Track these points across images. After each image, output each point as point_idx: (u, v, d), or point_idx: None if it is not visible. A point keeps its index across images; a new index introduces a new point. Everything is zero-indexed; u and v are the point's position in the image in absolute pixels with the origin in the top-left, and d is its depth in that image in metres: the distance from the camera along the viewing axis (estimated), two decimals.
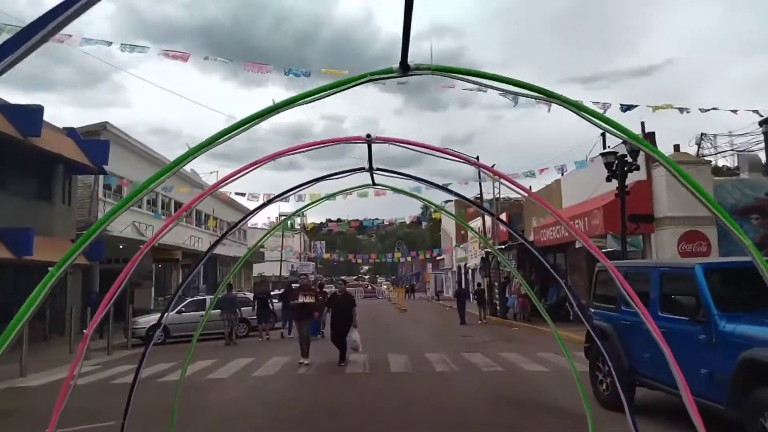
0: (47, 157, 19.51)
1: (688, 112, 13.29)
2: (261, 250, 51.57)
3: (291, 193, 6.21)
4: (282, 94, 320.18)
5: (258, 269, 57.58)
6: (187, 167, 39.70)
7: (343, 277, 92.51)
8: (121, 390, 10.26)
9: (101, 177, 23.88)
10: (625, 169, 14.24)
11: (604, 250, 18.28)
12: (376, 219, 30.21)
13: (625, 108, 12.83)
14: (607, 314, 8.02)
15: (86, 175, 22.82)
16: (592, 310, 8.71)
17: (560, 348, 12.57)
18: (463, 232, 47.51)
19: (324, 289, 21.73)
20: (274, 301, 20.75)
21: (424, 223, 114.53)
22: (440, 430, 6.86)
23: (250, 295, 26.24)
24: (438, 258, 55.34)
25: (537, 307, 19.69)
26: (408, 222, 38.56)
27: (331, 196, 5.90)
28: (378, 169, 5.73)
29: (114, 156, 25.24)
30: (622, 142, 15.81)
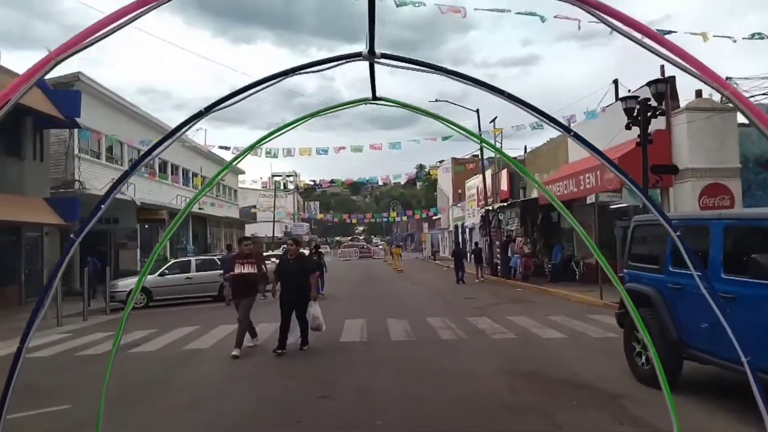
0: (12, 109, 17.86)
1: (734, 41, 11.77)
2: (253, 210, 50.30)
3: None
4: (271, 51, 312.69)
5: (250, 230, 56.31)
6: (171, 123, 37.97)
7: (338, 238, 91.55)
8: (87, 363, 9.14)
9: (76, 132, 22.21)
10: (648, 114, 12.83)
11: (619, 205, 17.07)
12: (372, 177, 28.76)
13: (664, 33, 11.27)
14: (649, 276, 6.78)
15: (59, 129, 21.19)
16: (626, 272, 7.48)
17: (573, 311, 11.48)
18: (459, 191, 46.25)
19: (320, 251, 20.68)
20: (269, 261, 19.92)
21: (419, 183, 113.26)
22: (452, 415, 5.69)
23: None
24: (434, 217, 54.24)
25: (541, 267, 18.50)
26: (403, 182, 37.20)
27: (324, 111, 4.52)
28: (383, 56, 4.15)
29: (88, 109, 23.51)
30: (646, 85, 14.39)
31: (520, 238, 22.13)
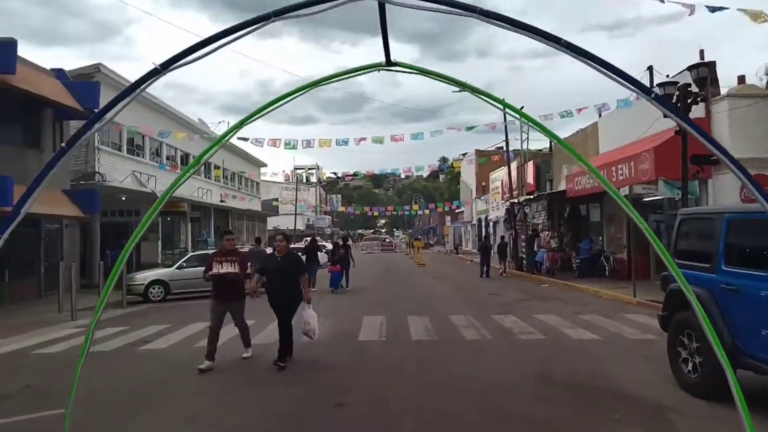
0: (32, 100, 17.74)
1: None
2: (275, 203, 50.17)
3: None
4: (296, 45, 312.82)
5: (272, 222, 56.27)
6: (194, 116, 37.88)
7: (360, 231, 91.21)
8: (92, 361, 8.75)
9: (106, 128, 22.05)
10: (689, 101, 11.99)
11: (653, 198, 16.21)
12: (395, 169, 28.15)
13: (714, 9, 10.47)
14: (699, 276, 6.10)
15: (78, 120, 21.02)
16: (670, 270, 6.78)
17: (605, 309, 10.79)
18: (483, 183, 45.37)
19: (348, 243, 20.23)
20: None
21: (442, 176, 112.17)
22: (476, 427, 5.12)
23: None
24: (457, 211, 53.42)
25: (569, 261, 17.72)
26: (426, 174, 36.62)
27: (333, 78, 4.06)
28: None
29: (109, 100, 23.36)
30: (686, 69, 13.51)
31: (546, 232, 21.35)
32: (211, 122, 36.81)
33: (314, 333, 8.00)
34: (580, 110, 17.54)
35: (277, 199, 51.26)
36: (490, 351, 8.28)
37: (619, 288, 15.90)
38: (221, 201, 37.44)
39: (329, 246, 36.53)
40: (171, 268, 17.28)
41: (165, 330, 11.05)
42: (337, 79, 4.39)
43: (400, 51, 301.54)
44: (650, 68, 18.21)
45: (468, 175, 51.62)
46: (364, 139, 18.52)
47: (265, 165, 52.90)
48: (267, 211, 52.25)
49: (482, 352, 8.23)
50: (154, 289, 16.75)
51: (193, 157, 34.64)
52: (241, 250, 8.51)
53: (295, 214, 55.46)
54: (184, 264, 17.42)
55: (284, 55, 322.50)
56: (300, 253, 21.04)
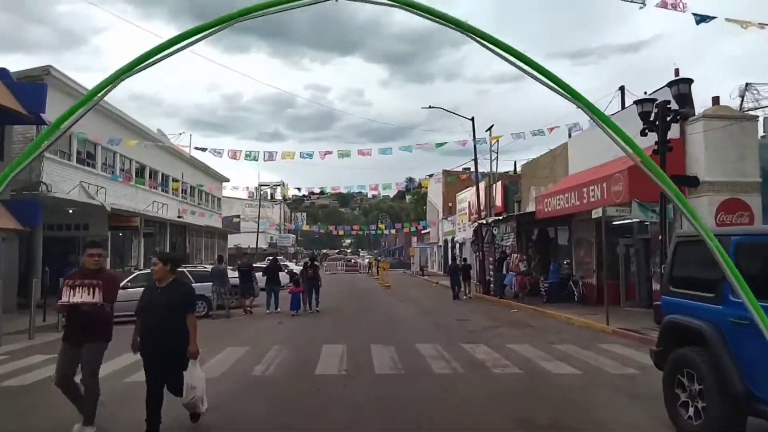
0: None
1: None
2: (236, 220, 48.64)
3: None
4: (265, 61, 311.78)
5: (233, 240, 54.57)
6: (153, 127, 36.36)
7: (324, 251, 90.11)
8: (4, 397, 7.56)
9: (44, 129, 20.56)
10: (668, 118, 11.55)
11: (626, 221, 15.78)
12: (361, 186, 27.32)
13: (699, 20, 10.05)
14: (700, 307, 5.39)
15: (23, 125, 19.57)
16: (666, 299, 6.09)
17: (579, 338, 10.09)
18: (450, 204, 44.98)
19: (315, 263, 19.57)
20: (256, 274, 19.23)
21: (408, 197, 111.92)
22: None
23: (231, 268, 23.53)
24: (423, 231, 52.88)
25: (536, 285, 17.15)
26: (394, 193, 35.98)
27: (271, 8, 3.20)
28: None
29: (59, 105, 21.98)
30: (666, 85, 13.14)
31: (515, 255, 20.79)
32: (171, 134, 35.16)
33: (201, 403, 5.69)
34: (551, 129, 17.14)
35: (238, 216, 49.65)
36: (463, 387, 7.40)
37: (590, 315, 15.33)
38: (178, 216, 35.85)
39: (292, 266, 35.33)
40: None
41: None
42: (282, 8, 3.54)
43: (370, 70, 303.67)
44: (622, 88, 18.00)
45: (435, 196, 51.23)
46: (329, 152, 17.67)
47: (227, 180, 51.41)
48: (228, 228, 50.60)
49: (453, 388, 7.35)
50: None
51: (150, 169, 33.16)
52: (108, 271, 6.51)
53: (257, 232, 53.93)
54: (129, 284, 16.05)
55: (253, 70, 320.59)
56: (261, 274, 20.34)
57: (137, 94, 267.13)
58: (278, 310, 17.81)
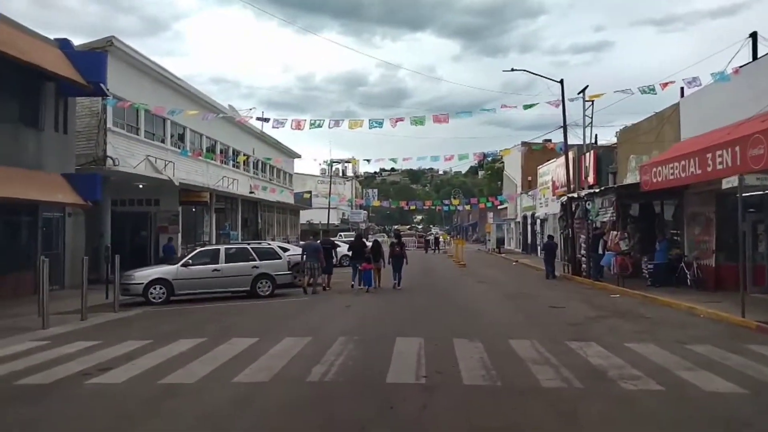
0: (28, 71, 15.66)
1: None
2: (306, 195, 47.96)
3: None
4: (337, 40, 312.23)
5: (305, 216, 54.13)
6: (225, 103, 35.78)
7: (395, 227, 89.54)
8: (13, 401, 5.93)
9: (108, 102, 19.92)
10: None
11: (755, 193, 12.98)
12: (435, 158, 25.24)
13: None
14: None
15: (83, 97, 18.96)
16: None
17: (715, 335, 7.74)
18: (530, 178, 41.95)
19: (402, 240, 19.49)
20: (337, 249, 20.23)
21: (481, 173, 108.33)
22: None
23: (290, 247, 22.48)
24: (500, 207, 50.06)
25: (637, 266, 14.62)
26: (472, 163, 33.58)
27: None
28: None
29: (123, 77, 21.30)
30: None
31: (614, 232, 18.13)
32: (242, 110, 34.30)
33: None
34: (664, 85, 14.29)
35: (309, 192, 48.95)
36: (588, 413, 5.42)
37: (713, 303, 12.77)
38: (250, 192, 35.28)
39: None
40: (175, 266, 14.92)
41: (141, 349, 8.57)
42: None
43: (443, 46, 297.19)
44: (753, 35, 14.83)
45: (513, 169, 48.20)
46: (401, 119, 15.78)
47: (299, 156, 50.74)
48: (300, 204, 50.05)
49: (575, 415, 5.38)
50: (154, 289, 14.42)
51: (220, 144, 32.58)
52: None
53: (329, 208, 53.18)
54: (191, 261, 15.05)
55: (324, 50, 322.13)
56: (347, 249, 19.98)
57: (217, 77, 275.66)
58: (362, 286, 17.27)
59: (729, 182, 11.76)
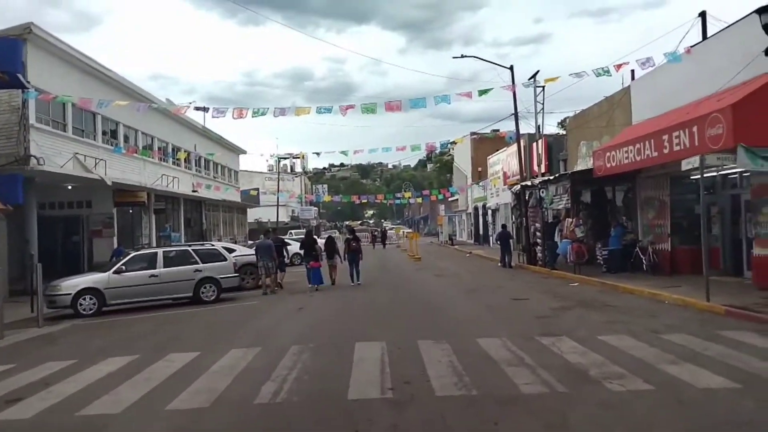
0: None
1: None
2: (252, 192, 46.34)
3: None
4: (280, 32, 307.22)
5: (253, 214, 52.39)
6: (162, 97, 33.82)
7: (347, 223, 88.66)
8: None
9: (29, 96, 18.10)
10: None
11: (733, 170, 12.88)
12: (387, 149, 24.48)
13: None
14: None
15: (7, 90, 17.13)
16: None
17: (687, 323, 7.28)
18: (480, 168, 41.92)
19: (356, 234, 19.18)
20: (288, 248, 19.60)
21: (430, 166, 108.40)
22: None
23: (237, 248, 21.30)
24: (451, 199, 49.98)
25: (591, 253, 14.34)
26: (418, 159, 33.03)
27: None
28: None
29: (45, 68, 19.48)
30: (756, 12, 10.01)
31: (570, 219, 17.94)
32: (182, 104, 32.30)
33: None
34: (618, 66, 13.99)
35: (256, 189, 47.32)
36: (577, 421, 4.78)
37: (673, 287, 12.60)
38: (193, 191, 33.54)
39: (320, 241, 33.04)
40: (107, 273, 13.58)
41: (62, 372, 7.43)
42: None
43: (388, 38, 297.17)
44: (702, 14, 14.79)
45: (462, 160, 48.16)
46: (351, 106, 14.83)
47: (244, 152, 48.93)
48: (247, 202, 48.33)
49: (564, 425, 4.73)
50: (84, 300, 13.04)
51: (158, 140, 30.72)
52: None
53: (278, 205, 51.69)
54: (124, 267, 13.71)
55: (268, 43, 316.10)
56: (299, 247, 19.40)
57: (156, 74, 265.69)
58: (311, 285, 16.63)
59: (689, 163, 11.50)
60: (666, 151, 13.42)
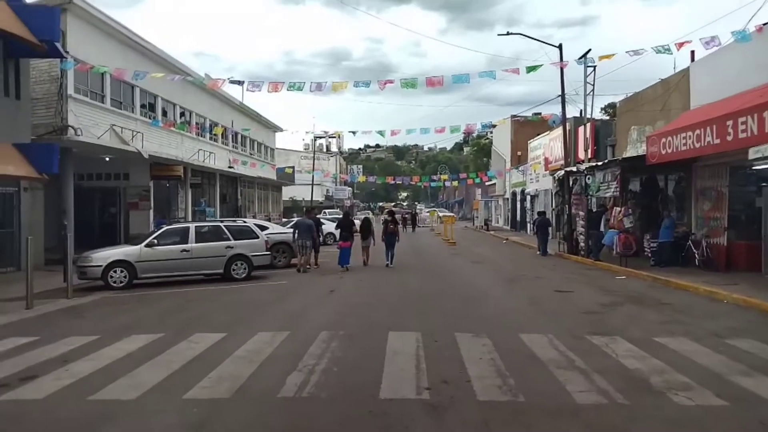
0: None
1: None
2: (288, 170, 46.21)
3: None
4: (320, 10, 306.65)
5: (288, 193, 52.41)
6: (202, 74, 33.65)
7: (381, 204, 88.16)
8: None
9: (70, 66, 18.03)
10: None
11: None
12: (425, 130, 23.73)
13: None
14: None
15: (38, 58, 17.07)
16: None
17: (751, 326, 6.40)
18: (519, 153, 40.66)
19: (395, 216, 19.51)
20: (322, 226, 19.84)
21: (467, 149, 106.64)
22: None
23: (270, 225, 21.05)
24: (488, 183, 48.85)
25: (641, 245, 13.29)
26: (454, 141, 32.17)
27: None
28: None
29: (85, 39, 19.39)
30: None
31: (618, 209, 16.94)
32: (219, 78, 32.03)
33: None
34: (680, 44, 12.90)
35: (292, 167, 47.19)
36: None
37: (729, 285, 11.65)
38: (229, 167, 33.49)
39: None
40: (138, 246, 13.39)
41: (83, 348, 7.14)
42: None
43: (428, 18, 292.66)
44: None
45: (501, 144, 46.84)
46: (390, 81, 14.21)
47: (281, 129, 48.74)
48: (282, 180, 48.28)
49: None
50: (115, 272, 12.89)
51: (196, 115, 30.65)
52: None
53: (312, 184, 51.55)
54: (155, 241, 13.50)
55: (308, 22, 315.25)
56: (335, 227, 19.28)
57: (199, 52, 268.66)
58: (340, 266, 16.38)
59: (759, 152, 10.51)
60: (730, 138, 12.34)
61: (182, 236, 13.90)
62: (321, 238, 19.88)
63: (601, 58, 14.54)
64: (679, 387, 5.33)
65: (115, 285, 12.86)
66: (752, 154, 10.74)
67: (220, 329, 8.04)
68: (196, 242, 13.73)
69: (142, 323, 8.83)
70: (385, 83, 14.15)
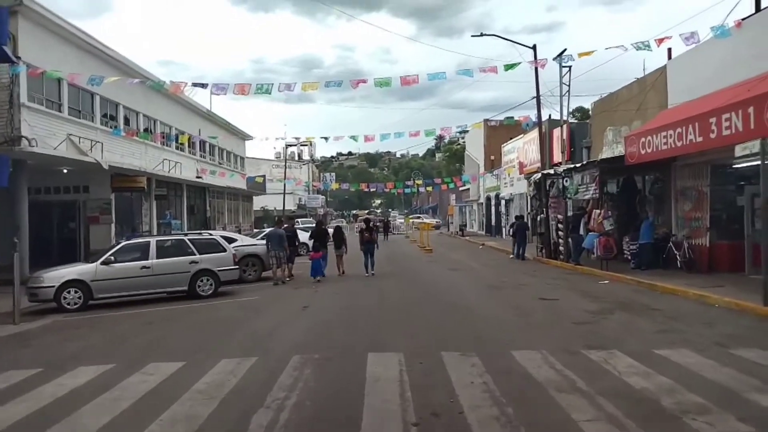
0: None
1: None
2: (258, 179, 45.06)
3: None
4: (290, 19, 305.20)
5: (259, 202, 51.23)
6: (166, 78, 32.46)
7: (354, 211, 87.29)
8: None
9: (22, 72, 16.91)
10: None
11: (750, 164, 11.48)
12: (399, 134, 23.14)
13: None
14: None
15: None
16: None
17: (752, 333, 6.09)
18: (492, 157, 40.46)
19: (371, 226, 18.45)
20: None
21: (439, 155, 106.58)
22: None
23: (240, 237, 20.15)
24: (462, 188, 48.57)
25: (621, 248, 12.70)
26: (426, 148, 31.64)
27: None
28: None
29: (38, 43, 18.28)
30: None
31: (597, 211, 16.58)
32: (181, 81, 30.90)
33: None
34: (660, 40, 12.58)
35: (262, 176, 46.04)
36: None
37: (715, 287, 11.30)
38: (197, 177, 32.34)
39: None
40: (94, 264, 12.41)
41: (19, 385, 6.26)
42: None
43: (397, 26, 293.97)
44: None
45: (474, 149, 46.67)
46: (363, 81, 13.59)
47: (250, 138, 47.61)
48: (253, 190, 47.11)
49: None
50: (68, 293, 11.89)
51: (161, 123, 29.47)
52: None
53: (284, 193, 50.51)
54: (113, 258, 12.53)
55: (277, 30, 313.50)
56: (308, 237, 18.89)
57: (167, 60, 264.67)
58: (318, 278, 15.89)
59: (745, 148, 10.14)
60: (713, 135, 12.02)
61: (142, 252, 12.95)
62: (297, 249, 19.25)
63: (580, 54, 14.15)
64: (696, 410, 4.75)
65: (68, 307, 11.86)
66: (739, 150, 10.37)
67: (179, 357, 7.22)
68: (158, 258, 12.81)
69: (92, 352, 7.95)
70: (358, 83, 13.54)
